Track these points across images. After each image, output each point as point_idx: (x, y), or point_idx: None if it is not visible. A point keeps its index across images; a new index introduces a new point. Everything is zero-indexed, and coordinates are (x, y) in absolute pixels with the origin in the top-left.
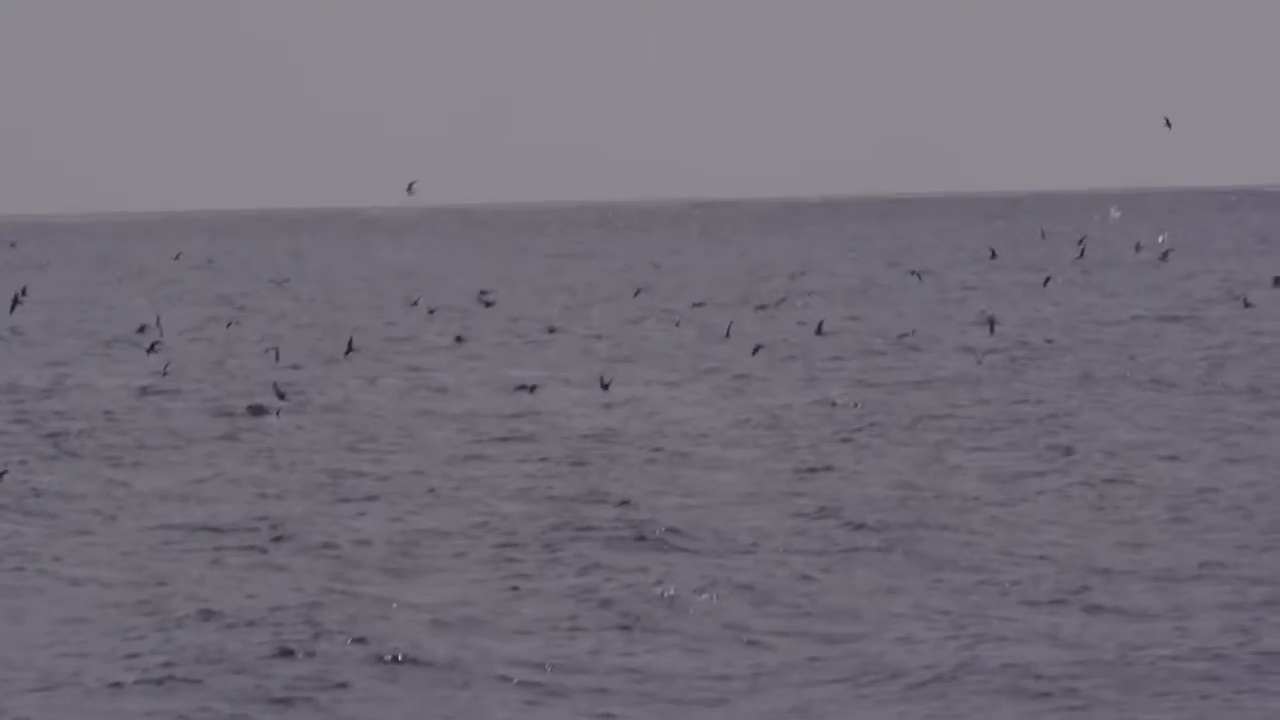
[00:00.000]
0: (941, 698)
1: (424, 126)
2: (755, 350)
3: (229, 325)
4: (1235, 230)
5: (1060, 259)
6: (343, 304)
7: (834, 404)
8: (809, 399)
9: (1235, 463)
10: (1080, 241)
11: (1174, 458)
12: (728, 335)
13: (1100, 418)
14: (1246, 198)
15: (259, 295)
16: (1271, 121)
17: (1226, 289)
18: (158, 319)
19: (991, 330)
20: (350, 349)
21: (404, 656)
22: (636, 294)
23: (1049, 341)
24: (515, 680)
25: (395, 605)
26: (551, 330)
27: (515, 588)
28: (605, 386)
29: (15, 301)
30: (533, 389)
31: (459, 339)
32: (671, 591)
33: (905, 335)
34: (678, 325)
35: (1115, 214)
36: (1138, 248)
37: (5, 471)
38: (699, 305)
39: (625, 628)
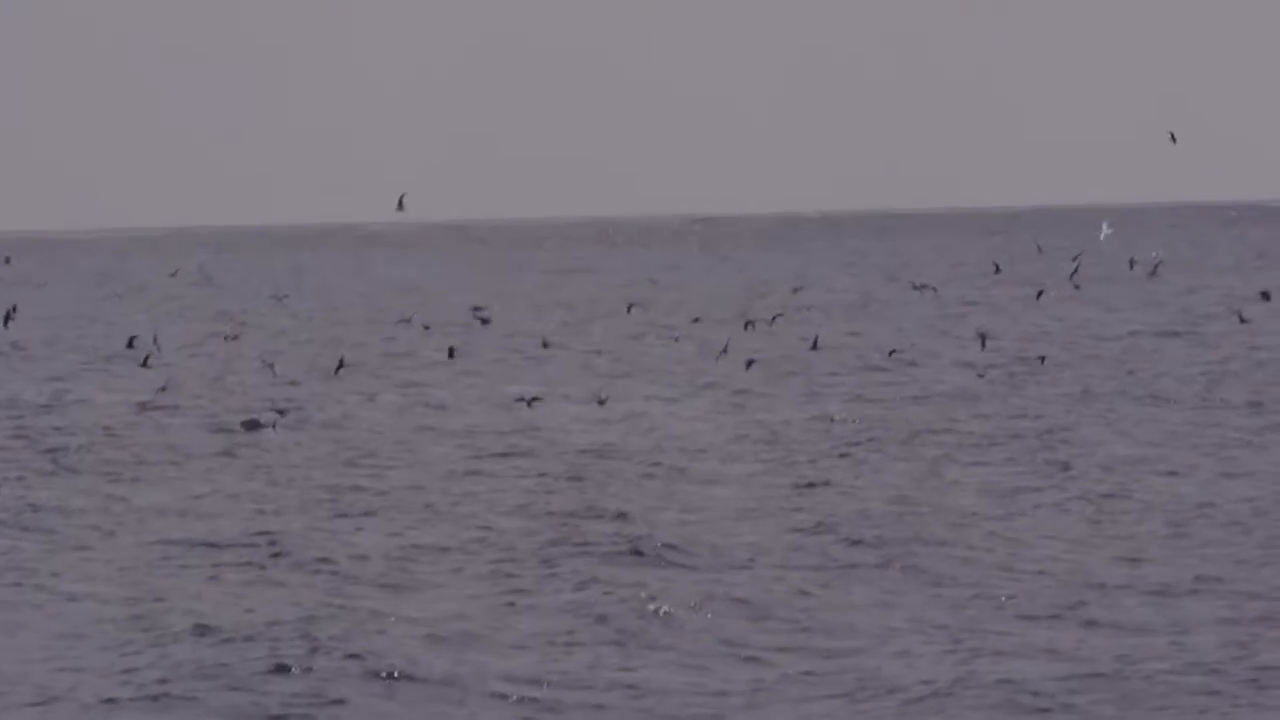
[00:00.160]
0: (939, 713)
1: (423, 142)
2: (749, 364)
3: (228, 339)
4: (1235, 245)
5: (1058, 274)
6: (342, 320)
7: (832, 419)
8: (807, 414)
9: (1233, 478)
10: (1075, 258)
11: (1172, 473)
12: (725, 351)
13: (1098, 433)
14: (1247, 213)
15: (258, 311)
16: (1272, 137)
17: (1225, 304)
18: (155, 338)
19: (983, 345)
20: (340, 366)
21: (400, 672)
22: (629, 309)
23: (1041, 359)
24: (512, 696)
25: (392, 620)
26: (546, 345)
27: (512, 603)
28: (601, 403)
29: (7, 318)
30: (531, 402)
31: (451, 353)
32: (669, 607)
33: (895, 351)
34: (676, 341)
35: (1107, 230)
36: (1131, 264)
37: None
38: (696, 321)
39: (622, 643)
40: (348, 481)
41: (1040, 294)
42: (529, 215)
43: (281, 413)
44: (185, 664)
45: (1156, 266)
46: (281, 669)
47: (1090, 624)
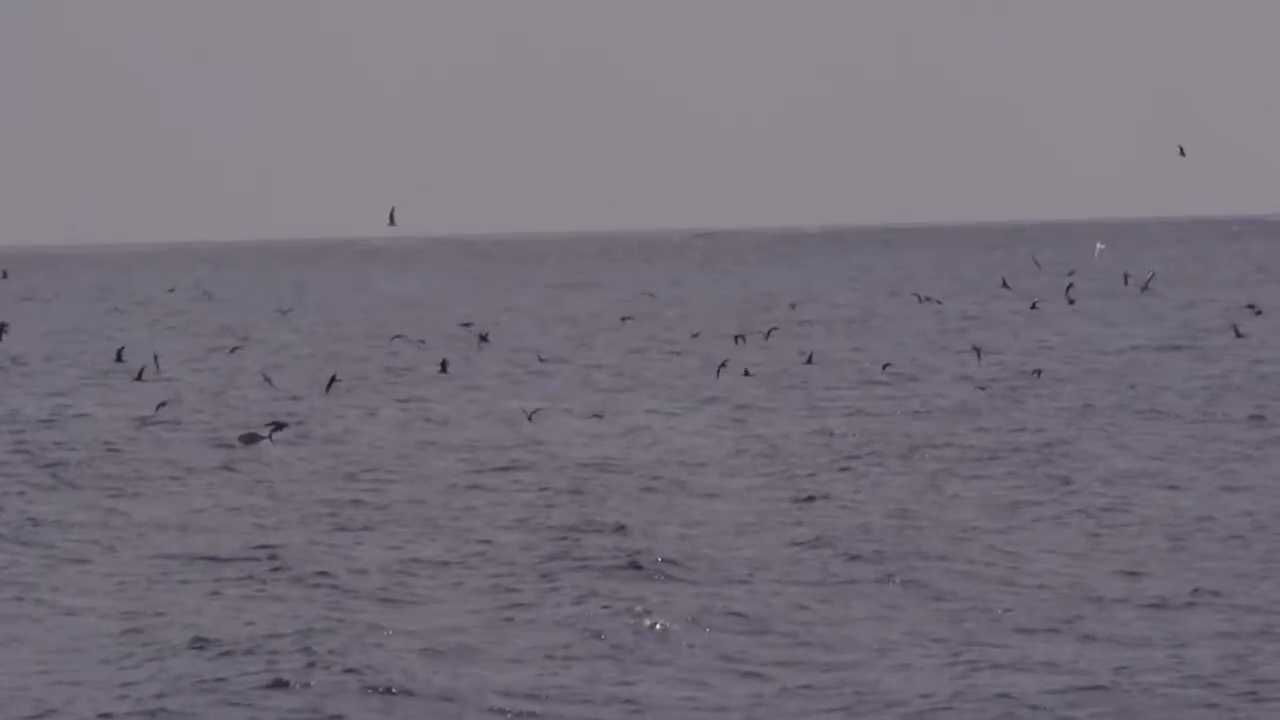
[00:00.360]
0: None
1: (425, 157)
2: (745, 373)
3: (231, 351)
4: (1237, 260)
5: (1057, 289)
6: (344, 335)
7: (832, 433)
8: (807, 428)
9: (1233, 491)
10: (1070, 274)
11: (1172, 486)
12: (724, 365)
13: (1099, 447)
14: (1249, 227)
15: (260, 326)
16: (1275, 151)
17: (1225, 318)
18: (155, 356)
19: (979, 358)
20: (332, 382)
21: (398, 687)
22: (623, 320)
23: (1037, 373)
24: (510, 711)
25: (391, 634)
26: (542, 359)
27: (511, 618)
28: (597, 417)
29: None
30: (531, 416)
31: (444, 366)
32: (668, 621)
33: (889, 365)
34: (677, 355)
35: (1100, 247)
36: (1126, 279)
37: None
38: (696, 336)
39: (621, 657)
40: (347, 496)
41: (1034, 305)
42: (531, 229)
43: (280, 425)
44: (183, 678)
45: (1148, 282)
46: (280, 684)
47: (1089, 637)
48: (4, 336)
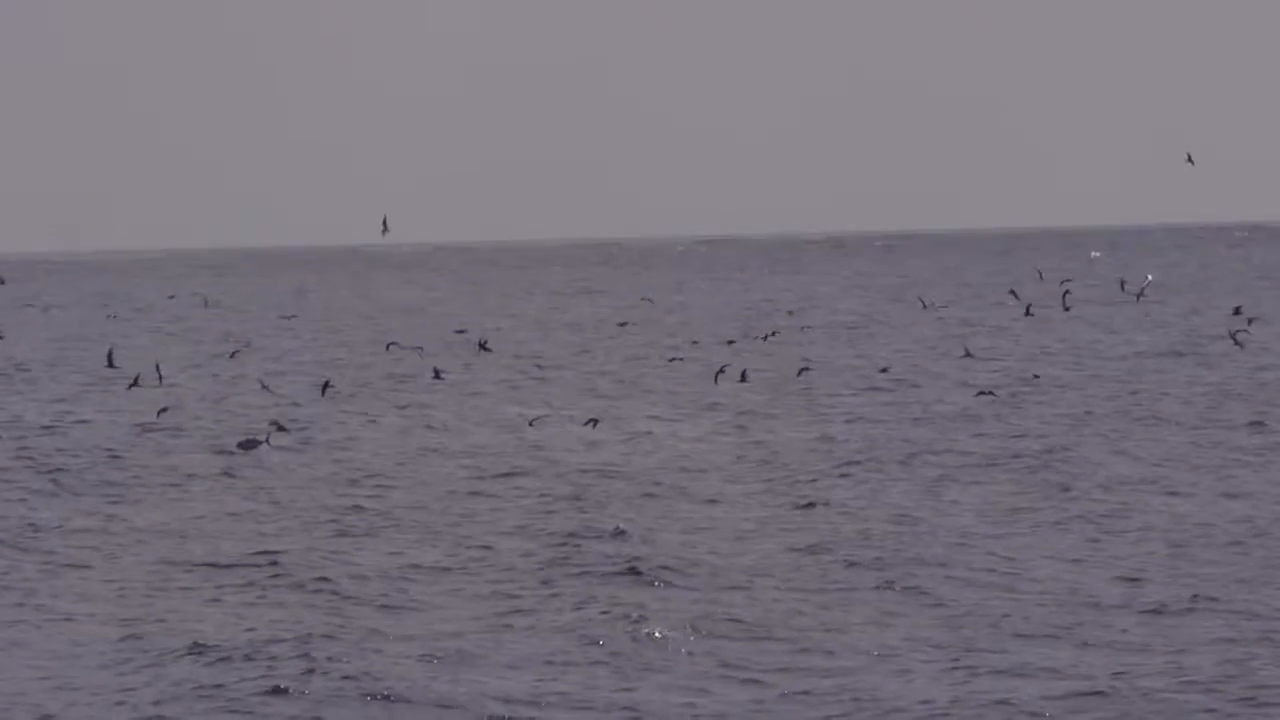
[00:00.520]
0: None
1: (427, 164)
2: (742, 377)
3: (232, 355)
4: (1239, 266)
5: (1056, 295)
6: (345, 341)
7: (833, 439)
8: (807, 435)
9: (1233, 498)
10: (1064, 282)
11: (1172, 493)
12: (722, 371)
13: (1099, 453)
14: (1254, 234)
15: (263, 332)
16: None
17: (1228, 325)
18: (158, 365)
19: (967, 355)
20: (327, 387)
21: (397, 694)
22: (621, 325)
23: (1035, 376)
24: (509, 717)
25: (390, 641)
26: (541, 366)
27: (510, 624)
28: (594, 422)
29: None
30: (532, 422)
31: (437, 374)
32: (667, 627)
33: (887, 369)
34: (679, 361)
35: (1095, 255)
36: (1122, 285)
37: None
38: (695, 343)
39: (620, 663)
40: (348, 502)
41: (1028, 311)
42: (534, 237)
43: (282, 428)
44: (182, 684)
45: (1143, 289)
46: (278, 690)
47: (1088, 643)
48: None
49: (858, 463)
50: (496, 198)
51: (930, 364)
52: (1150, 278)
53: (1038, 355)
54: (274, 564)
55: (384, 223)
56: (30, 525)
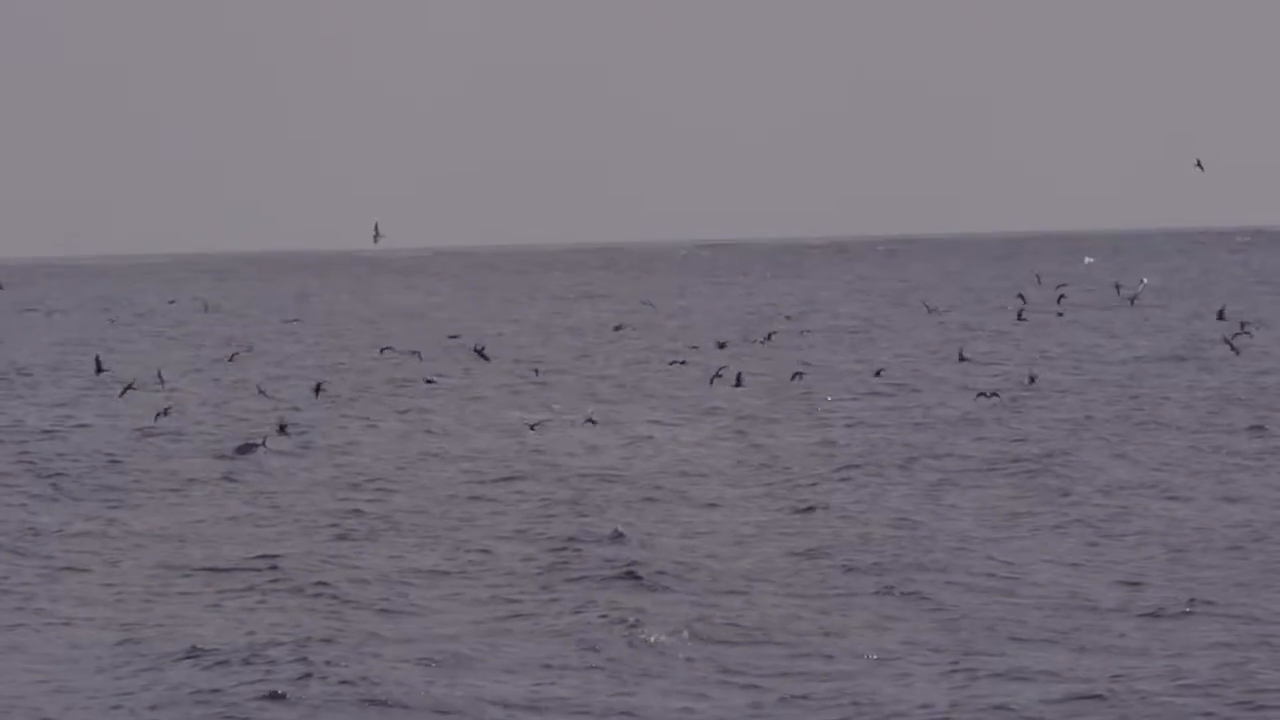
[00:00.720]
0: None
1: (429, 168)
2: (738, 381)
3: (232, 358)
4: (1239, 270)
5: (1065, 300)
6: (347, 346)
7: (833, 443)
8: (807, 439)
9: (1232, 502)
10: (1059, 287)
11: (1171, 497)
12: (719, 375)
13: (1099, 458)
14: (1256, 238)
15: (264, 337)
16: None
17: (1221, 330)
18: (160, 372)
19: (960, 358)
20: (319, 389)
21: (394, 699)
22: (616, 329)
23: (1032, 379)
24: None
25: (388, 645)
26: (539, 371)
27: (509, 628)
28: (591, 422)
29: None
30: (533, 426)
31: (429, 381)
32: (666, 631)
33: (882, 371)
34: (681, 365)
35: (1089, 260)
36: (1118, 289)
37: None
38: (695, 347)
39: (619, 668)
40: (348, 506)
41: (1020, 315)
42: (536, 241)
43: (283, 428)
44: (179, 689)
45: (1137, 293)
46: (276, 695)
47: (1087, 647)
48: None
49: (857, 467)
50: (497, 200)
51: (931, 368)
52: (1145, 281)
53: (1037, 360)
54: (273, 568)
55: (375, 229)
56: (30, 529)
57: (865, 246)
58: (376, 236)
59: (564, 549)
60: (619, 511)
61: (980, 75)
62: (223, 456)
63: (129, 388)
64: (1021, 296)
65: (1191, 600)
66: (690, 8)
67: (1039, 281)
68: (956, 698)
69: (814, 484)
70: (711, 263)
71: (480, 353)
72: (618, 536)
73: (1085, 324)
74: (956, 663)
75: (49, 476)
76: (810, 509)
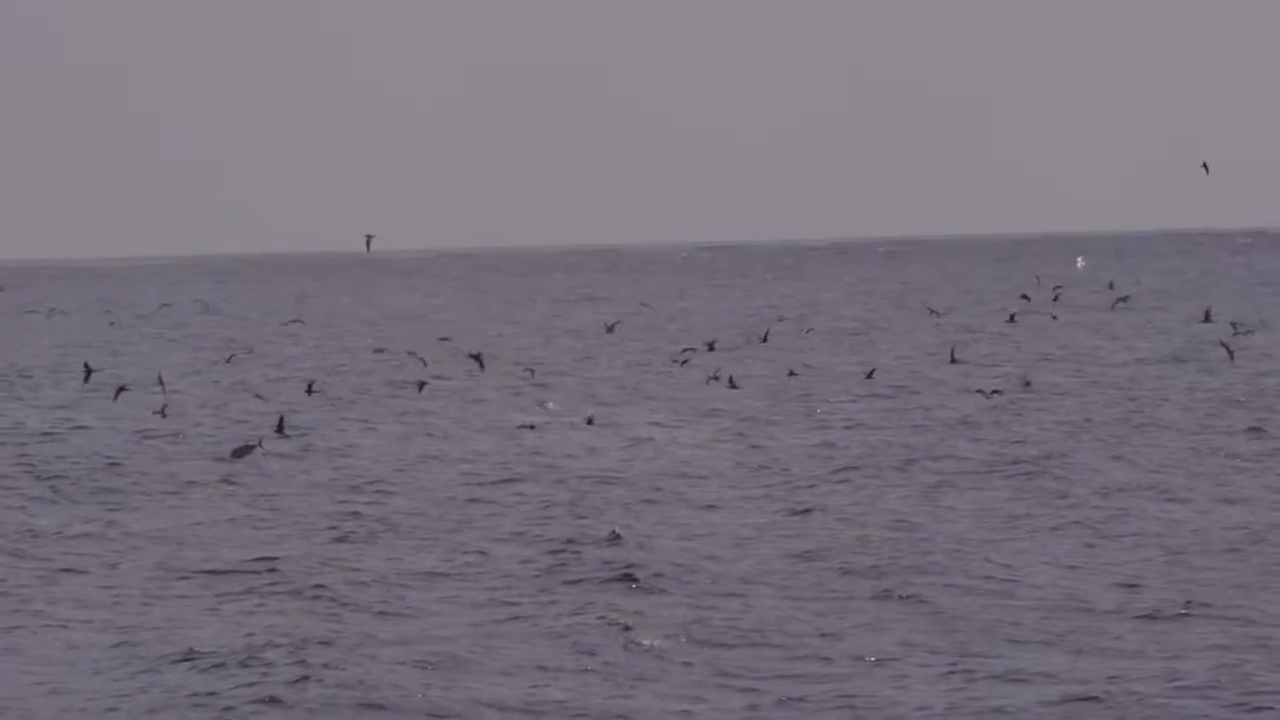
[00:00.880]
0: None
1: (430, 170)
2: (731, 384)
3: (229, 360)
4: (1240, 272)
5: (1058, 303)
6: (346, 348)
7: (832, 445)
8: (807, 441)
9: (1230, 504)
10: (1055, 288)
11: (1169, 499)
12: (715, 377)
13: (1097, 459)
14: (1258, 240)
15: (265, 339)
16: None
17: (1214, 334)
18: (161, 379)
19: (952, 360)
20: (311, 389)
21: (391, 701)
22: (609, 330)
23: (1027, 384)
24: None
25: (385, 647)
26: (533, 371)
27: (506, 631)
28: (589, 422)
29: None
30: (533, 427)
31: (420, 387)
32: (664, 634)
33: (874, 372)
34: (680, 365)
35: (1081, 262)
36: (1111, 286)
37: None
38: (690, 349)
39: (617, 671)
40: (347, 508)
41: (1012, 318)
42: (537, 243)
43: (282, 429)
44: (176, 691)
45: (1117, 302)
46: (272, 698)
47: (1084, 648)
48: None
49: (856, 469)
50: (497, 201)
51: (930, 370)
52: (1140, 281)
53: (1035, 364)
54: (272, 570)
55: (368, 241)
56: (29, 531)
57: (865, 248)
58: (369, 245)
59: (562, 551)
60: (617, 513)
61: (980, 76)
62: (221, 459)
63: (122, 389)
64: (1026, 297)
65: (1188, 602)
66: (690, 8)
67: (1038, 283)
68: (954, 699)
69: (812, 486)
70: (712, 265)
71: (477, 359)
72: (615, 538)
73: (1083, 325)
74: (954, 664)
75: (48, 478)
76: (808, 511)
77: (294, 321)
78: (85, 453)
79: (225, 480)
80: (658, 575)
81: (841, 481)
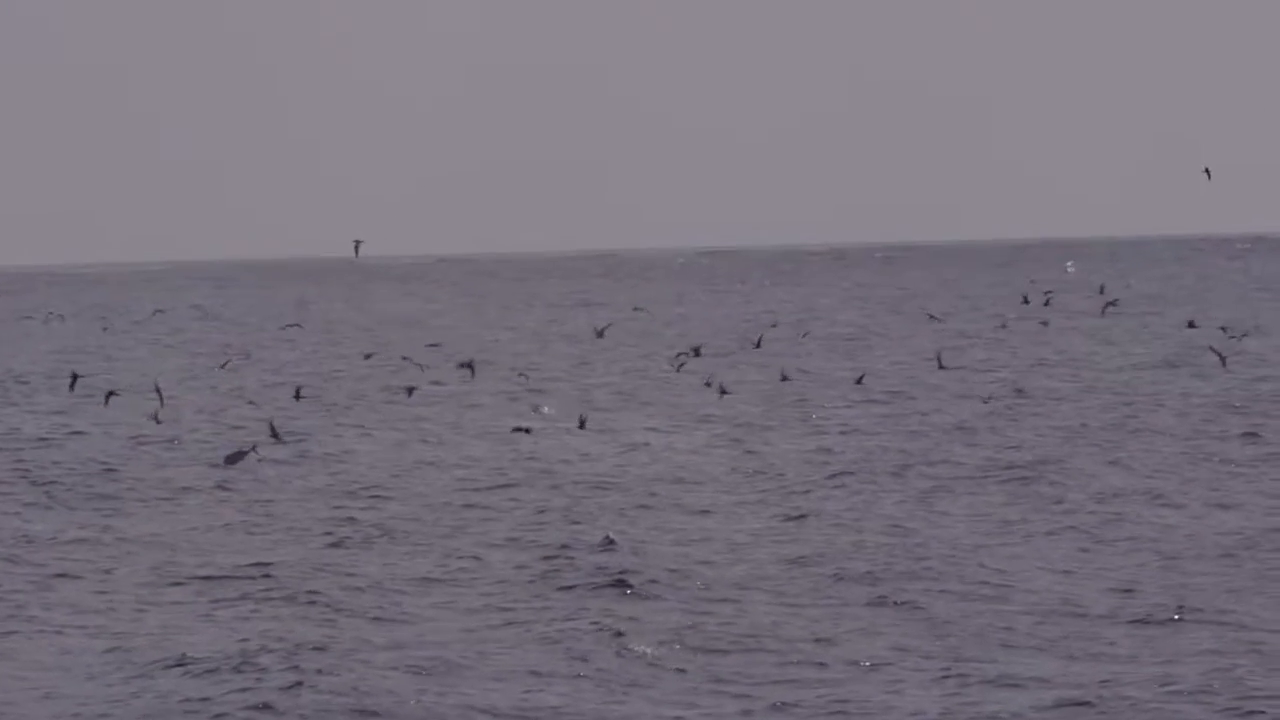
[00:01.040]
0: None
1: (427, 175)
2: (722, 392)
3: (223, 365)
4: (1238, 277)
5: (1056, 308)
6: (343, 354)
7: (827, 450)
8: (802, 446)
9: (1225, 509)
10: (1047, 293)
11: (1164, 504)
12: (709, 384)
13: (1092, 465)
14: (1256, 245)
15: (262, 344)
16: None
17: (1219, 337)
18: (159, 388)
19: (939, 365)
20: (298, 395)
21: (384, 708)
22: (599, 334)
23: (1019, 391)
24: None
25: (379, 653)
26: (527, 376)
27: (500, 637)
28: (582, 424)
29: None
30: (528, 432)
31: (410, 391)
32: (658, 639)
33: (864, 377)
34: (675, 371)
35: (1070, 268)
36: (1102, 290)
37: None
38: (684, 354)
39: (610, 677)
40: (342, 514)
41: (1004, 324)
42: (535, 249)
43: (275, 433)
44: (169, 697)
45: (1106, 306)
46: (266, 704)
47: (1078, 654)
48: None
49: (851, 474)
50: (496, 204)
51: (926, 376)
52: (1130, 285)
53: (1030, 368)
54: (266, 576)
55: (356, 247)
56: (24, 537)
57: (863, 253)
58: (357, 250)
59: (556, 556)
60: (611, 519)
61: (980, 79)
62: (217, 465)
63: (111, 394)
64: (1026, 300)
65: (1182, 607)
66: (690, 8)
67: (1031, 287)
68: (948, 705)
69: (807, 491)
70: (710, 270)
71: (469, 367)
72: (610, 544)
73: (1078, 330)
74: (948, 670)
75: (43, 484)
76: (803, 516)
77: (291, 326)
78: (80, 458)
79: (220, 486)
80: (652, 581)
81: (836, 487)
